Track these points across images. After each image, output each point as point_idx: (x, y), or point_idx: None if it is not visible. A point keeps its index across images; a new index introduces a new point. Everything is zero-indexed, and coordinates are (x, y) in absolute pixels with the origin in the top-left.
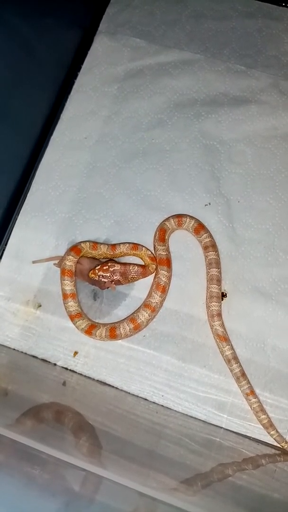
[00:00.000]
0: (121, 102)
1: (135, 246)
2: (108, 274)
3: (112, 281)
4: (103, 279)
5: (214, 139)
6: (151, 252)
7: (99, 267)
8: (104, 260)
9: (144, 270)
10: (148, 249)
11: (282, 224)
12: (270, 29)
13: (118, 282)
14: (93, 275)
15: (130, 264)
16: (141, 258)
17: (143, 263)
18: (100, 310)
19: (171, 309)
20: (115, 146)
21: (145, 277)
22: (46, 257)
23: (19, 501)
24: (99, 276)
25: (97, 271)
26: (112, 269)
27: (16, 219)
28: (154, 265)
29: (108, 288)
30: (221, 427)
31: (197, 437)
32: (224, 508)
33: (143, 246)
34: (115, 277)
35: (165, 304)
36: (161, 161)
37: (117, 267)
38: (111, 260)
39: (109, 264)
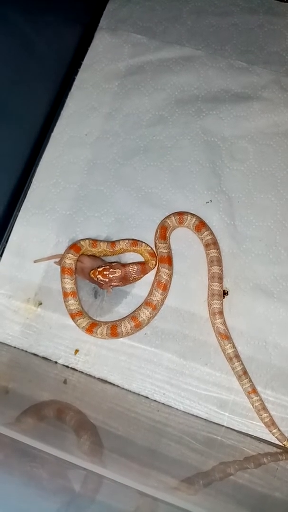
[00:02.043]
0: (122, 98)
1: (135, 242)
2: (106, 280)
3: (110, 286)
4: (101, 282)
5: (215, 136)
6: (151, 248)
7: (101, 269)
8: (104, 257)
9: (143, 267)
10: (148, 245)
11: (284, 221)
12: (272, 25)
13: (116, 286)
14: (92, 276)
15: (129, 264)
16: (141, 254)
17: (143, 260)
18: (101, 308)
19: (173, 307)
20: (116, 143)
21: (145, 274)
22: (47, 255)
23: (19, 500)
24: (97, 278)
25: (97, 273)
26: (112, 275)
27: (17, 216)
28: (154, 261)
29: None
30: (223, 425)
31: (198, 436)
32: (226, 507)
33: (143, 242)
34: (113, 283)
35: (166, 302)
36: (162, 158)
37: (117, 273)
38: (115, 263)
39: (110, 270)
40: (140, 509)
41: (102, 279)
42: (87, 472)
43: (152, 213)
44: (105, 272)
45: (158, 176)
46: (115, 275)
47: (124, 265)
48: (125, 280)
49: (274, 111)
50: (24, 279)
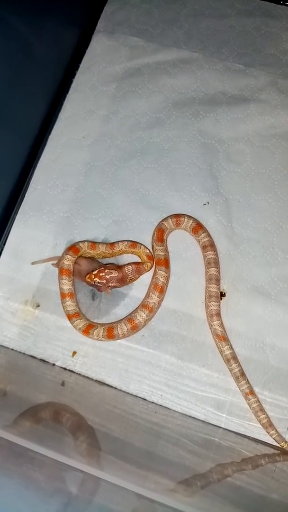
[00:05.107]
0: (119, 101)
1: (134, 244)
2: (104, 281)
3: (108, 287)
4: (99, 285)
5: (212, 138)
6: (149, 251)
7: (96, 272)
8: (102, 259)
9: (138, 267)
10: (146, 248)
11: (281, 223)
12: (269, 27)
13: (114, 287)
14: (89, 280)
15: (125, 265)
16: (139, 256)
17: (139, 260)
18: (98, 310)
19: (170, 308)
20: (113, 145)
21: (141, 274)
22: (45, 257)
23: (17, 503)
24: (95, 282)
25: (93, 277)
26: (109, 276)
27: (15, 218)
28: (150, 263)
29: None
30: (220, 427)
31: (196, 437)
32: (223, 509)
33: (142, 244)
34: (111, 284)
35: (163, 304)
36: (159, 161)
37: (114, 274)
38: (110, 264)
39: (106, 270)
40: (138, 511)
41: (99, 281)
42: (85, 474)
43: (150, 215)
44: (101, 274)
45: (155, 178)
46: (112, 275)
47: (119, 266)
48: (122, 280)
49: (271, 113)
50: (22, 281)
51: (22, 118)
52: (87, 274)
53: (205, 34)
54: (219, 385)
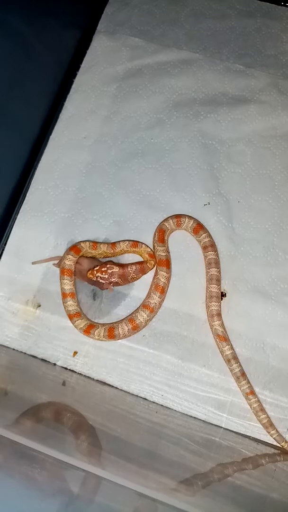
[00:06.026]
0: (120, 101)
1: (135, 243)
2: (106, 276)
3: (110, 283)
4: (101, 281)
5: (213, 138)
6: (151, 249)
7: (97, 268)
8: (104, 260)
9: (142, 266)
10: (147, 246)
11: (281, 223)
12: (269, 28)
13: (116, 284)
14: (91, 276)
15: (128, 264)
16: (141, 255)
17: (142, 260)
18: (99, 310)
19: (171, 308)
20: (114, 145)
21: (144, 273)
22: (46, 257)
23: (18, 502)
24: (97, 277)
25: (95, 272)
26: (111, 271)
27: (16, 218)
28: (152, 262)
29: (106, 289)
30: (221, 427)
31: (196, 437)
32: (224, 508)
33: (143, 243)
34: (113, 279)
35: (164, 304)
36: (160, 161)
37: (116, 269)
38: (110, 261)
39: (107, 266)
40: (139, 510)
41: (101, 276)
42: (86, 473)
43: (151, 215)
44: (103, 269)
45: (156, 179)
46: (114, 270)
47: (122, 265)
48: (124, 279)
49: (272, 114)
50: (23, 281)
51: (23, 118)
52: (89, 271)
53: (206, 35)
54: (220, 385)
